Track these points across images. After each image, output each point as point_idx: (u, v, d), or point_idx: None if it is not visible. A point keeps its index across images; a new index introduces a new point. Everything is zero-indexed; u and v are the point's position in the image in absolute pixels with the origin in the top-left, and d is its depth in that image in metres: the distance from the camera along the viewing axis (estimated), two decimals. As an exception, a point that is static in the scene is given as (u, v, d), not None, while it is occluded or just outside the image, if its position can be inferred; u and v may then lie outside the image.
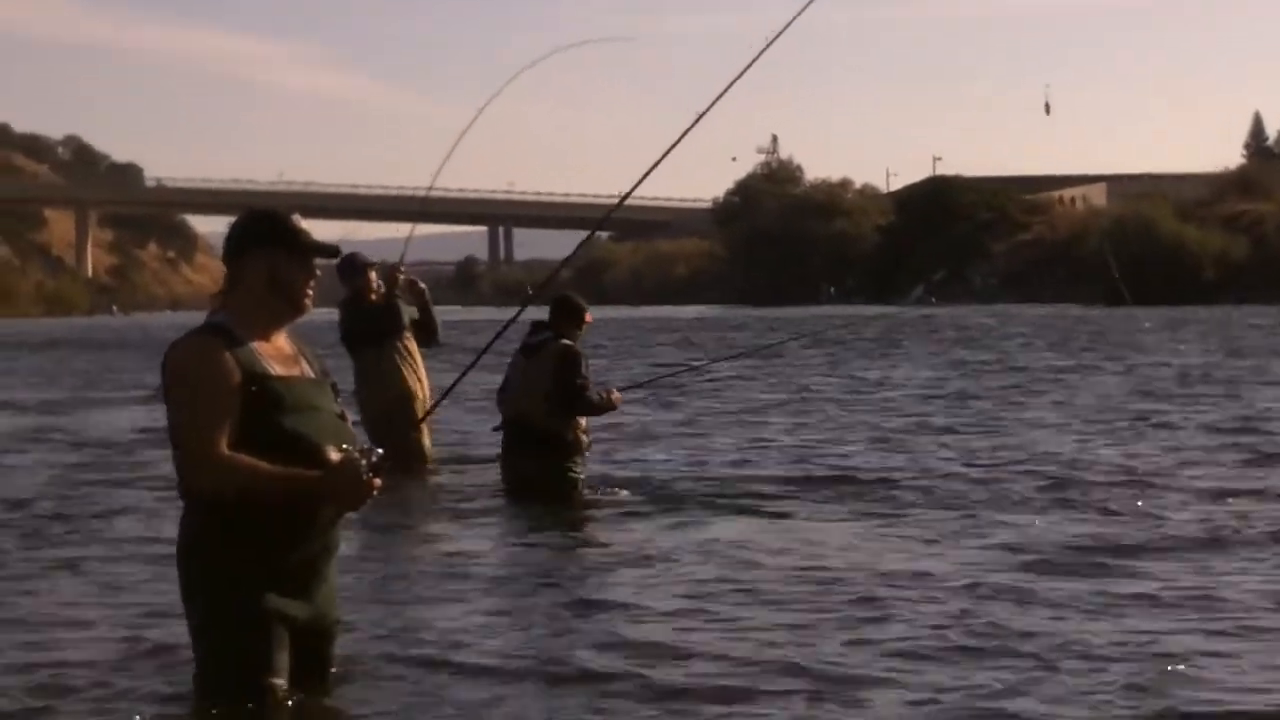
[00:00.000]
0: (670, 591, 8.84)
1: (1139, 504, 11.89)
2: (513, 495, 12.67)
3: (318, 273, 6.16)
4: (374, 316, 14.41)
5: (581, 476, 12.79)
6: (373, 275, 14.44)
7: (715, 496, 12.84)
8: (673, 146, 7.02)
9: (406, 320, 14.52)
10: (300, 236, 6.08)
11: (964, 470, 14.21)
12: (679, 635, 7.73)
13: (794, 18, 7.40)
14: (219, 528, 5.88)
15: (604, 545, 10.66)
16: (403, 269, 14.78)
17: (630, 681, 6.84)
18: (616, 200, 8.02)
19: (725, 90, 7.02)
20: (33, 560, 10.19)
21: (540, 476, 12.58)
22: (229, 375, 5.85)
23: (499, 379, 12.97)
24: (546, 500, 12.30)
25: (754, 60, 7.12)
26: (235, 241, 6.10)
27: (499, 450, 13.10)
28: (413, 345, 14.60)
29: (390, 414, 13.80)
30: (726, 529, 11.19)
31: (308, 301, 6.12)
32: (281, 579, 5.95)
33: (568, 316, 12.68)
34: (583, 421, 12.69)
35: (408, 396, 14.24)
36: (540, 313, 12.65)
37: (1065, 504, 12.04)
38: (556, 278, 8.38)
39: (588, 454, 12.94)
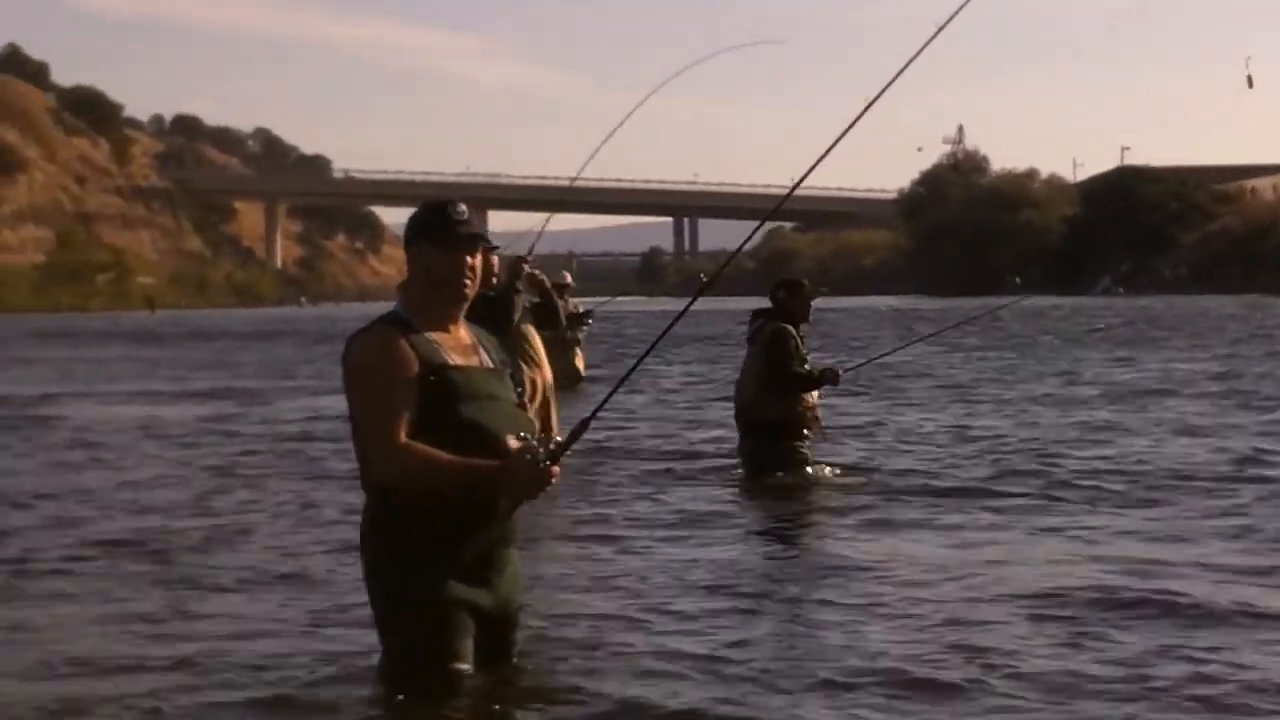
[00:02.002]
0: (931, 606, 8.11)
1: None
2: (744, 483, 12.81)
3: (470, 261, 6.05)
4: (487, 303, 14.39)
5: (810, 455, 12.96)
6: (494, 260, 14.22)
7: (954, 494, 12.30)
8: (842, 135, 6.87)
9: (519, 311, 14.39)
10: (448, 229, 6.02)
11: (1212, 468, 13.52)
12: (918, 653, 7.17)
13: (963, 4, 7.26)
14: (400, 516, 5.91)
15: (821, 541, 10.34)
16: (528, 260, 14.71)
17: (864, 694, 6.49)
18: (801, 190, 7.90)
19: (895, 77, 6.86)
20: (218, 545, 10.37)
21: (766, 459, 12.86)
22: (408, 365, 5.87)
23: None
24: (773, 485, 12.47)
25: (924, 47, 6.99)
26: (407, 234, 6.12)
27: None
28: (531, 332, 14.57)
29: None
30: (970, 534, 10.49)
31: (467, 289, 6.06)
32: (462, 566, 5.96)
33: (776, 300, 12.96)
34: (810, 398, 12.84)
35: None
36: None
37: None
38: (730, 267, 8.31)
39: (817, 433, 13.05)
